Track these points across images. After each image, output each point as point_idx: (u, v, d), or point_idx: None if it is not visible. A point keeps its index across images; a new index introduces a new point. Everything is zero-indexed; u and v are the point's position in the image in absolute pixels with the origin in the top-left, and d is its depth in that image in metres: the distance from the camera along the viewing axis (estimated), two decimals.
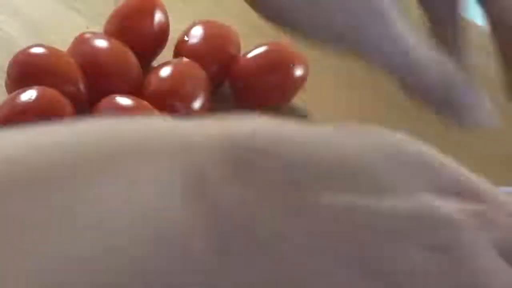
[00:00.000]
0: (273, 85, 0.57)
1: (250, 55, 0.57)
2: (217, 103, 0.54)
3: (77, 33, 0.68)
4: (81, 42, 0.63)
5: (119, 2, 0.71)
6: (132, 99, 0.55)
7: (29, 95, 0.56)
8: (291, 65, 0.57)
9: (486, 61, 0.67)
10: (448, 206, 0.32)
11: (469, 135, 0.59)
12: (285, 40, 0.58)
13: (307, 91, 0.59)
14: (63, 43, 0.67)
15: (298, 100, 0.59)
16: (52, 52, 0.61)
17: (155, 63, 0.64)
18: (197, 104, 0.52)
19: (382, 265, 0.31)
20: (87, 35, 0.63)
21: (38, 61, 0.60)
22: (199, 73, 0.57)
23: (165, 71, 0.58)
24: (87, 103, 0.59)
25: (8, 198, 0.29)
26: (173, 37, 0.64)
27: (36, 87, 0.57)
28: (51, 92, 0.57)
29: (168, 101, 0.50)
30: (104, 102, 0.57)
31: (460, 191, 0.33)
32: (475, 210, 0.32)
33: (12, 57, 0.61)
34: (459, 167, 0.34)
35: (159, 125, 0.33)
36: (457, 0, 0.47)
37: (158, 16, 0.63)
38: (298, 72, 0.57)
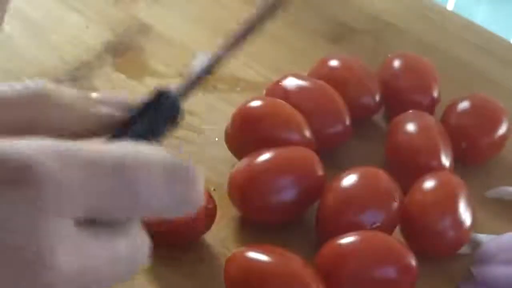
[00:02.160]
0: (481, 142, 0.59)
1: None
2: None
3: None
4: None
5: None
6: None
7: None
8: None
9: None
10: (25, 143, 0.30)
11: None
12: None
13: None
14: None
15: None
16: (271, 102, 0.59)
17: None
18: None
19: None
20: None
21: (259, 113, 0.58)
22: None
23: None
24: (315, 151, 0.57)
25: None
26: None
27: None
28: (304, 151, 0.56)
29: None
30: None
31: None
32: (55, 145, 0.31)
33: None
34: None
35: None
36: None
37: None
38: (503, 128, 0.59)
